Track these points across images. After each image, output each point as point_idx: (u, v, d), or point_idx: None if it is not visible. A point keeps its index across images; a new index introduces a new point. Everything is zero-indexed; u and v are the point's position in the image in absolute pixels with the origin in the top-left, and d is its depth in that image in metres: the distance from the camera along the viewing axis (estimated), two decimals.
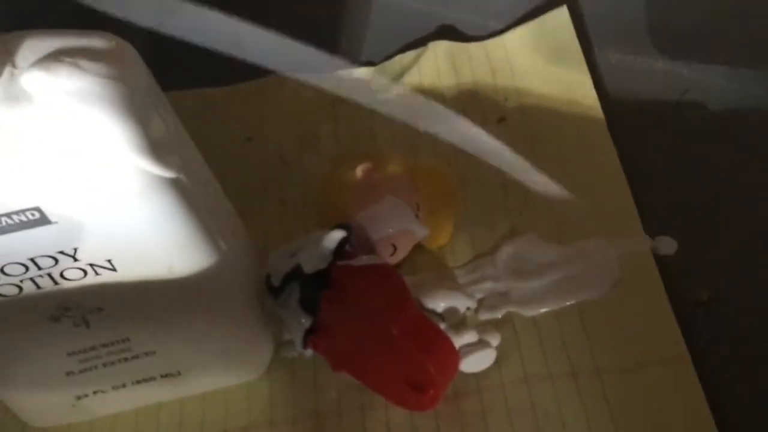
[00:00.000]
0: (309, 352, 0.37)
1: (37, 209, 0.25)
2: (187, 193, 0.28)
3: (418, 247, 0.39)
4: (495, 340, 0.36)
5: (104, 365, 0.33)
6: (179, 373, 0.35)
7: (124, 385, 0.35)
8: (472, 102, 0.46)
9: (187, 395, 0.36)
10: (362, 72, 0.48)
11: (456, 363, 0.34)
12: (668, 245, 0.39)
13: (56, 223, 0.26)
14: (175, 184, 0.27)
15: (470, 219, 0.41)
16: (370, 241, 0.36)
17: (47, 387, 0.34)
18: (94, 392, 0.35)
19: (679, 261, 0.38)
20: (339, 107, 0.46)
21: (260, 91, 0.48)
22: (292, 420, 0.36)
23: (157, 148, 0.26)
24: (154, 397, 0.36)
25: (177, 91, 0.47)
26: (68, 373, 0.33)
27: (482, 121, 0.45)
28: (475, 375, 0.36)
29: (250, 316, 0.35)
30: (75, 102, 0.23)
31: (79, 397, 0.35)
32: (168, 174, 0.26)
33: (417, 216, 0.38)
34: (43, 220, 0.26)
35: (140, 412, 0.37)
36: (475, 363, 0.35)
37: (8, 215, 0.25)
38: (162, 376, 0.35)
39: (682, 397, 0.33)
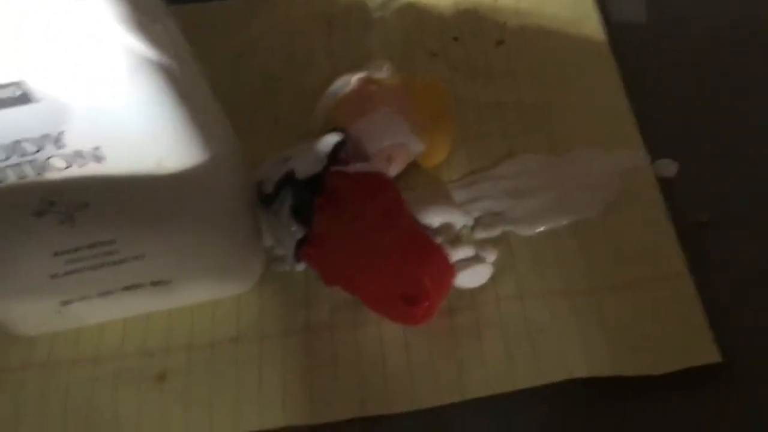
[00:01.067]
0: (301, 266, 0.36)
1: (19, 85, 0.24)
2: (178, 82, 0.27)
3: (413, 166, 0.38)
4: (491, 257, 0.35)
5: (90, 268, 0.32)
6: (169, 282, 0.34)
7: (111, 292, 0.34)
8: (471, 24, 0.45)
9: (175, 306, 0.36)
10: None
11: (451, 276, 0.33)
12: (669, 167, 0.38)
13: (40, 101, 0.25)
14: (166, 70, 0.26)
15: (467, 141, 0.40)
16: (365, 153, 0.35)
17: (32, 291, 0.33)
18: (80, 298, 0.34)
19: (679, 183, 0.37)
20: (333, 24, 0.45)
21: (251, 7, 0.46)
22: (282, 333, 0.35)
23: (147, 27, 0.24)
24: (141, 307, 0.35)
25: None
26: (53, 276, 0.32)
27: (481, 44, 0.44)
28: (469, 291, 0.35)
29: (241, 226, 0.34)
30: None
31: (64, 303, 0.34)
32: (158, 57, 0.25)
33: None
34: (26, 97, 0.24)
35: (128, 321, 0.36)
36: (470, 278, 0.35)
37: None
38: (151, 284, 0.34)
39: (680, 314, 0.33)
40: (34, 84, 0.24)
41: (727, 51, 0.41)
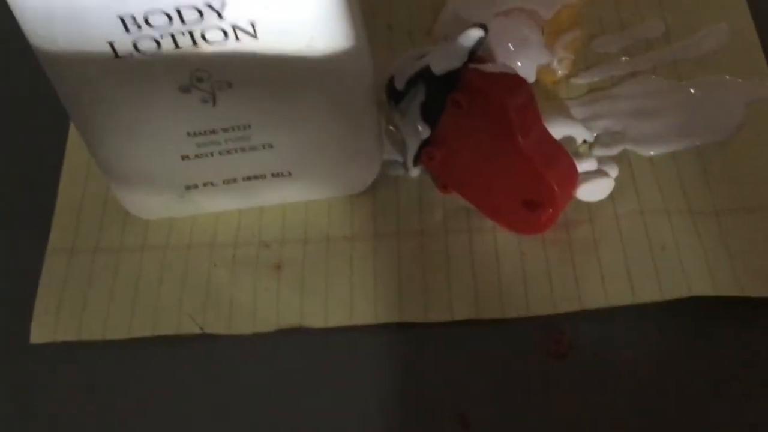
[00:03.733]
0: (416, 171, 0.36)
1: None
2: None
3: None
4: (614, 172, 0.35)
5: (220, 153, 0.33)
6: (290, 174, 0.34)
7: (234, 180, 0.34)
8: None
9: (292, 201, 0.36)
10: None
11: (575, 184, 0.33)
12: None
13: None
14: None
15: (588, 59, 0.39)
16: (492, 58, 0.35)
17: (161, 170, 0.33)
18: (204, 184, 0.34)
19: None
20: None
21: None
22: (396, 234, 0.35)
23: None
24: (259, 199, 0.36)
25: None
26: (184, 157, 0.33)
27: None
28: (586, 205, 0.35)
29: (365, 125, 0.34)
30: None
31: (188, 187, 0.34)
32: None
33: None
34: None
35: (243, 213, 0.36)
36: (590, 192, 0.34)
37: None
38: (273, 176, 0.34)
39: None
40: None
41: None
